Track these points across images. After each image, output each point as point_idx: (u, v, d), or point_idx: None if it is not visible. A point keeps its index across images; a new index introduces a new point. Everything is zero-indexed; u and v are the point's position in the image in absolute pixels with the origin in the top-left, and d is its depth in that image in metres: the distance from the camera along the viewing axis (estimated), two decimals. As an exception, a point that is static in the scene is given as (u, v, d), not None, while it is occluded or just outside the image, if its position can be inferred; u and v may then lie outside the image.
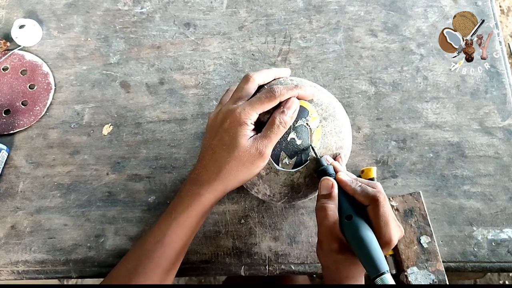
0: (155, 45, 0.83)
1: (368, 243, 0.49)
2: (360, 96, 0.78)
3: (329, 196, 0.54)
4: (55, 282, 1.32)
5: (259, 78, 0.58)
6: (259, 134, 0.55)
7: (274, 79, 0.61)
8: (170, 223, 0.57)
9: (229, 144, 0.54)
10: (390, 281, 0.48)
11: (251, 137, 0.55)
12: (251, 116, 0.54)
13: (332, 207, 0.53)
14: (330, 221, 0.52)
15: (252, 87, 0.58)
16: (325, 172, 0.56)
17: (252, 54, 0.81)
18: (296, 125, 0.57)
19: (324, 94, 0.62)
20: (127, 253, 0.60)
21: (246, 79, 0.58)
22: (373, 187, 0.54)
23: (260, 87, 0.60)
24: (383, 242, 0.51)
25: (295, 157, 0.58)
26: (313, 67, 0.80)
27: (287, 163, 0.58)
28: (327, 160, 0.58)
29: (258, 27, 0.83)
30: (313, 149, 0.58)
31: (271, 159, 0.57)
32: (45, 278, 0.70)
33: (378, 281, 0.48)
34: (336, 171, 0.56)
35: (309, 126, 0.57)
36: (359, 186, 0.54)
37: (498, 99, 0.77)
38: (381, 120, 0.76)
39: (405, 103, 0.77)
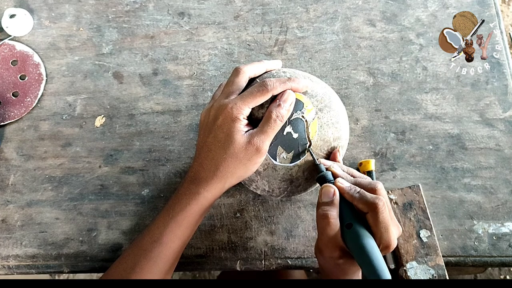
0: (148, 35, 0.81)
1: (369, 252, 0.48)
2: (358, 87, 0.76)
3: (331, 203, 0.52)
4: (46, 277, 1.31)
5: (249, 71, 0.57)
6: (255, 130, 0.54)
7: (266, 72, 0.60)
8: (168, 222, 0.56)
9: (224, 141, 0.53)
10: None
11: (246, 132, 0.54)
12: (244, 111, 0.53)
13: (334, 215, 0.51)
14: (332, 229, 0.51)
15: (242, 80, 0.57)
16: (324, 179, 0.55)
17: (248, 44, 0.80)
18: (292, 119, 0.56)
19: (319, 84, 0.60)
20: (123, 251, 0.60)
21: (236, 72, 0.57)
22: (373, 189, 0.52)
23: (252, 80, 0.59)
24: (383, 246, 0.50)
25: (292, 151, 0.56)
26: (310, 57, 0.78)
27: (285, 157, 0.56)
28: (324, 164, 0.56)
29: (254, 16, 0.82)
30: (311, 154, 0.56)
31: (268, 154, 0.56)
32: (36, 273, 0.69)
33: None
34: (334, 176, 0.55)
35: (305, 118, 0.56)
36: (358, 192, 0.52)
37: (499, 90, 0.76)
38: (380, 111, 0.75)
39: (404, 94, 0.76)
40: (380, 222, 0.49)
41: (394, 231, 0.50)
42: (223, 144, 0.53)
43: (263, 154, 0.54)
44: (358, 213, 0.52)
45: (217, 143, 0.54)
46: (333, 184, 0.54)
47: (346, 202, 0.53)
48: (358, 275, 0.56)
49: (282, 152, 0.56)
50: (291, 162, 0.57)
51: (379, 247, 0.49)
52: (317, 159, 0.57)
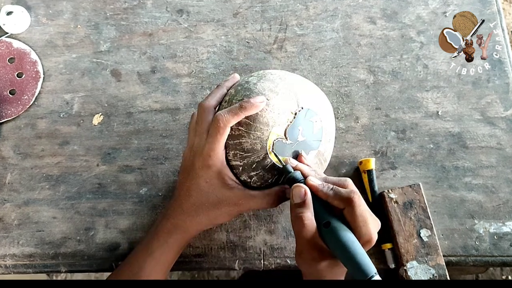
0: (147, 32, 0.80)
1: (351, 248, 0.47)
2: (358, 85, 0.76)
3: (303, 204, 0.51)
4: (43, 277, 1.31)
5: (212, 102, 0.58)
6: (239, 187, 0.56)
7: (238, 83, 0.61)
8: (146, 258, 0.58)
9: (206, 191, 0.56)
10: None
11: (227, 184, 0.56)
12: (217, 149, 0.55)
13: (309, 215, 0.50)
14: (309, 231, 0.50)
15: (209, 116, 0.57)
16: (294, 180, 0.54)
17: (247, 42, 0.79)
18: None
19: (284, 100, 0.58)
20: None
21: (201, 109, 0.58)
22: (343, 185, 0.52)
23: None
24: (364, 241, 0.49)
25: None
26: (309, 55, 0.78)
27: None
28: (291, 163, 0.56)
29: (253, 14, 0.81)
30: (276, 156, 0.56)
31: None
32: (33, 273, 0.68)
33: None
34: (304, 176, 0.54)
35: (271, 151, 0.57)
36: (331, 189, 0.51)
37: (500, 88, 0.75)
38: (380, 110, 0.74)
39: (404, 92, 0.75)
40: (358, 216, 0.49)
41: (373, 225, 0.50)
42: (206, 194, 0.56)
43: (245, 209, 0.57)
44: (333, 211, 0.51)
45: (199, 191, 0.56)
46: (304, 183, 0.53)
47: (320, 200, 0.52)
48: (340, 277, 0.55)
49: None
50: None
51: (359, 243, 0.48)
52: (283, 161, 0.56)
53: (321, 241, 0.50)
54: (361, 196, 0.50)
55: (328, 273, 0.52)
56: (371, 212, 0.51)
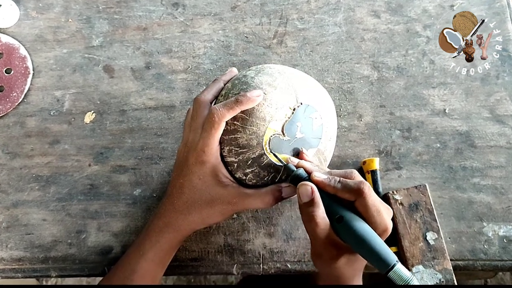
0: (141, 26, 0.79)
1: (369, 240, 0.46)
2: (361, 81, 0.74)
3: (312, 202, 0.49)
4: (33, 281, 1.29)
5: (208, 97, 0.57)
6: (233, 185, 0.55)
7: (235, 77, 0.59)
8: (138, 260, 0.57)
9: (200, 188, 0.55)
10: (403, 270, 0.45)
11: (221, 181, 0.55)
12: (211, 145, 0.53)
13: (320, 213, 0.49)
14: (323, 229, 0.48)
15: (205, 111, 0.56)
16: (298, 178, 0.52)
17: (246, 37, 0.77)
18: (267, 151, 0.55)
19: (283, 94, 0.56)
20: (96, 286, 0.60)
21: (196, 104, 0.57)
22: (350, 177, 0.50)
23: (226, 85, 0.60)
24: (380, 231, 0.48)
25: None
26: (311, 50, 0.76)
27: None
28: (292, 162, 0.54)
29: (252, 7, 0.79)
30: (275, 156, 0.54)
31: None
32: (22, 277, 0.67)
33: (392, 274, 0.45)
34: (308, 172, 0.52)
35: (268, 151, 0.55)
36: (339, 182, 0.50)
37: (510, 85, 0.73)
38: (384, 107, 0.72)
39: (410, 89, 0.73)
40: (370, 206, 0.47)
41: (385, 212, 0.49)
42: (199, 191, 0.55)
43: (238, 208, 0.55)
44: (344, 204, 0.50)
45: (192, 188, 0.55)
46: (309, 180, 0.51)
47: (328, 195, 0.50)
48: (359, 272, 0.54)
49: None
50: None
51: (376, 233, 0.47)
52: (284, 160, 0.55)
53: (336, 237, 0.48)
54: (370, 186, 0.49)
55: (348, 269, 0.51)
56: (381, 200, 0.50)
